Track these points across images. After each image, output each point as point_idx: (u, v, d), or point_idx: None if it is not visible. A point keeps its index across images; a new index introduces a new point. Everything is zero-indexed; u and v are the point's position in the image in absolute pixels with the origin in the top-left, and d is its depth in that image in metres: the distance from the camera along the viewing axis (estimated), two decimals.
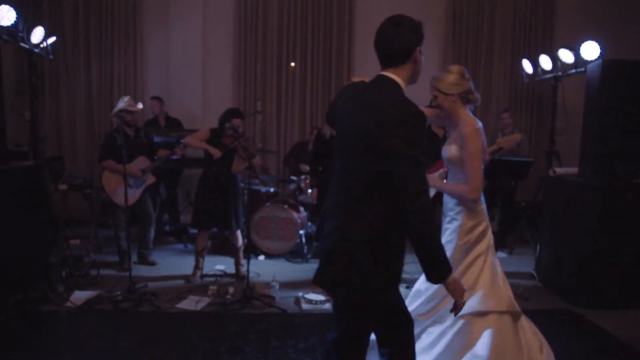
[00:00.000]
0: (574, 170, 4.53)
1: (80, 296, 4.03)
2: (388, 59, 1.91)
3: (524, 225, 5.77)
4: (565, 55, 5.16)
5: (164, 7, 6.70)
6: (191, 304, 3.96)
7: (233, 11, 6.75)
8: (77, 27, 6.62)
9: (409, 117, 1.77)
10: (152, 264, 5.00)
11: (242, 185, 5.31)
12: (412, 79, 1.95)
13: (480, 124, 2.58)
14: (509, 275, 5.03)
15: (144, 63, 6.80)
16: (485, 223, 2.68)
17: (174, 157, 4.91)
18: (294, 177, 5.87)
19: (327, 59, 6.85)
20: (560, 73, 5.32)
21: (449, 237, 2.70)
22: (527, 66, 6.08)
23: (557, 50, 5.41)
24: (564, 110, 5.28)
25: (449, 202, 2.75)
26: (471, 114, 2.63)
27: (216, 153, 4.38)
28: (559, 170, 4.57)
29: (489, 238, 2.70)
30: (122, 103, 4.65)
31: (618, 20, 6.32)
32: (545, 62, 5.59)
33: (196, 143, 4.45)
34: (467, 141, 2.50)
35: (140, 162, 4.79)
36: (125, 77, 6.76)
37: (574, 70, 5.10)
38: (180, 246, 5.84)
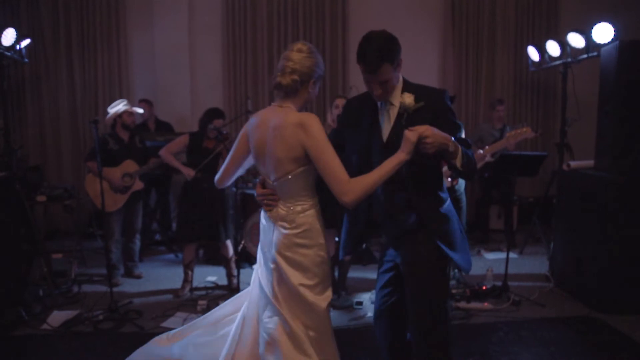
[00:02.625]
0: (590, 163, 4.19)
1: (58, 317, 3.71)
2: None
3: (536, 222, 5.43)
4: (575, 40, 4.81)
5: (148, 6, 6.37)
6: (178, 322, 3.64)
7: (220, 7, 6.41)
8: (57, 28, 6.28)
9: None
10: (138, 277, 4.69)
11: (233, 190, 4.98)
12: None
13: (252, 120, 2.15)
14: (521, 277, 4.81)
15: (129, 65, 6.46)
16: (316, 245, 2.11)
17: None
18: None
19: (320, 50, 6.48)
20: (570, 59, 4.96)
21: None
22: (533, 53, 5.73)
23: (563, 35, 5.07)
24: (575, 99, 4.92)
25: None
26: None
27: (189, 173, 4.10)
28: (573, 163, 4.22)
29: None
30: (121, 106, 4.40)
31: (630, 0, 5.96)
32: (553, 48, 5.24)
33: (169, 159, 4.17)
34: None
35: (127, 167, 4.46)
36: (110, 79, 6.42)
37: (585, 55, 4.74)
38: (171, 256, 5.52)
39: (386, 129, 2.08)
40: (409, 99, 1.98)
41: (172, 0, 6.32)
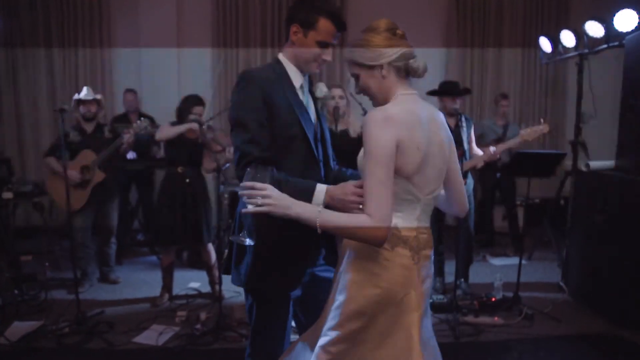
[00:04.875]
0: (610, 163, 3.81)
1: (18, 329, 3.30)
2: None
3: (546, 225, 5.05)
4: (594, 29, 4.40)
5: None
6: (152, 336, 3.25)
7: None
8: (35, 11, 5.86)
9: (236, 82, 1.73)
10: (114, 282, 4.29)
11: (222, 187, 4.59)
12: (301, 62, 1.77)
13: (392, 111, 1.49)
14: (531, 286, 4.43)
15: (112, 52, 6.06)
16: (389, 281, 1.51)
17: (130, 155, 4.19)
18: None
19: None
20: (587, 50, 4.57)
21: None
22: (545, 44, 5.32)
23: (574, 25, 4.68)
24: (590, 93, 4.54)
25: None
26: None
27: (193, 127, 3.62)
28: (593, 164, 3.84)
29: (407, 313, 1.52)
30: (82, 94, 4.04)
31: None
32: (568, 38, 4.83)
33: (172, 131, 3.67)
34: (365, 134, 1.47)
35: (83, 158, 4.01)
36: (91, 68, 6.02)
37: (605, 46, 4.34)
38: (154, 258, 5.12)
39: (313, 115, 1.83)
40: (324, 88, 1.74)
41: None
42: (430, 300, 3.70)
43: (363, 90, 1.62)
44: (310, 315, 1.80)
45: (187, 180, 3.71)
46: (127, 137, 3.94)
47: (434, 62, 6.24)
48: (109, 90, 6.05)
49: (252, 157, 1.63)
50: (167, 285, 3.91)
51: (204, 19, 6.04)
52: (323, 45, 1.72)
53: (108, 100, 6.02)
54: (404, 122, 1.46)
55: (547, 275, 4.59)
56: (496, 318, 3.51)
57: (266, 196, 1.46)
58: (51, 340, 3.19)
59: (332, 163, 1.93)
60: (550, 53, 5.30)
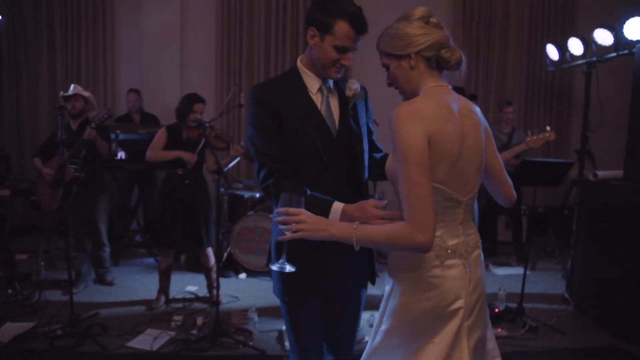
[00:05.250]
0: (618, 173, 3.74)
1: (10, 330, 3.24)
2: None
3: (551, 235, 4.97)
4: (603, 36, 4.34)
5: None
6: (147, 341, 3.17)
7: None
8: (39, 8, 5.82)
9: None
10: (110, 284, 4.22)
11: (222, 190, 4.52)
12: (318, 67, 1.68)
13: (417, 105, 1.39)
14: (535, 297, 4.32)
15: (115, 51, 6.01)
16: (440, 295, 1.42)
17: (119, 155, 4.10)
18: None
19: None
20: (595, 58, 4.50)
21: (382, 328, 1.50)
22: (552, 52, 5.26)
23: (581, 32, 4.63)
24: (598, 102, 4.47)
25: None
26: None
27: (191, 158, 3.60)
28: (601, 173, 3.77)
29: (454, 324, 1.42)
30: (69, 92, 3.91)
31: None
32: (576, 46, 4.77)
33: (161, 155, 3.64)
34: (393, 133, 1.34)
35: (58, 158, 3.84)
36: (94, 66, 5.97)
37: (614, 54, 4.28)
38: (151, 260, 5.04)
39: (335, 118, 1.74)
40: (355, 85, 1.72)
41: None
42: None
43: (392, 82, 1.51)
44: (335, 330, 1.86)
45: (187, 182, 3.64)
46: (87, 132, 3.66)
47: None
48: (111, 90, 6.01)
49: (269, 167, 1.64)
50: (164, 288, 3.84)
51: (207, 18, 5.99)
52: (341, 50, 1.62)
53: (110, 101, 6.00)
54: (434, 114, 1.34)
55: (551, 286, 4.51)
56: (499, 329, 3.43)
57: (301, 221, 1.39)
58: (43, 342, 3.13)
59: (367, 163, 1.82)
60: (557, 61, 5.24)
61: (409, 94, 1.48)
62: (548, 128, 3.55)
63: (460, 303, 1.41)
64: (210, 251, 3.78)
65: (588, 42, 4.60)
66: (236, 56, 6.01)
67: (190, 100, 3.61)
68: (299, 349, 1.81)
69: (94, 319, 3.49)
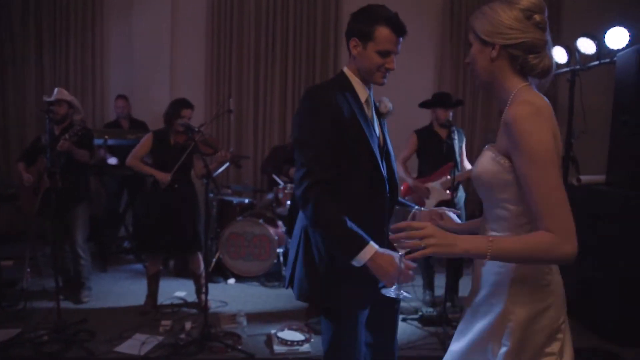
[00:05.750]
0: (601, 178, 3.82)
1: None
2: None
3: None
4: (586, 45, 4.44)
5: None
6: (135, 346, 3.15)
7: (205, 1, 5.97)
8: (28, 12, 5.80)
9: (301, 100, 1.74)
10: (80, 302, 3.94)
11: (211, 195, 4.52)
12: (364, 74, 1.75)
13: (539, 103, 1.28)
14: None
15: (105, 56, 6.01)
16: (556, 302, 1.34)
17: (111, 161, 4.07)
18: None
19: (311, 55, 6.09)
20: (578, 66, 4.60)
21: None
22: None
23: (565, 41, 4.72)
24: (581, 109, 4.57)
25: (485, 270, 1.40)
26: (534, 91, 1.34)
27: (164, 179, 3.60)
28: (584, 178, 3.85)
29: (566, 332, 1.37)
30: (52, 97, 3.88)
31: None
32: (560, 54, 4.87)
33: (138, 167, 3.67)
34: (517, 135, 1.24)
35: (41, 163, 3.81)
36: (82, 71, 5.95)
37: (596, 62, 4.38)
38: (140, 267, 5.02)
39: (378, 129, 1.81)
40: (389, 103, 1.74)
41: None
42: (420, 314, 3.67)
43: (470, 61, 1.40)
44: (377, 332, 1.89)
45: (176, 186, 3.65)
46: (61, 143, 3.56)
47: (427, 73, 6.27)
48: (99, 96, 6.00)
49: (316, 176, 1.61)
50: (152, 294, 3.82)
51: (197, 24, 6.01)
52: (384, 54, 1.67)
53: (98, 106, 5.98)
54: (550, 114, 1.25)
55: None
56: None
57: (428, 235, 1.25)
58: (29, 348, 3.09)
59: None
60: None
61: (482, 83, 1.40)
62: None
63: (565, 315, 1.36)
64: (199, 256, 3.78)
65: (571, 50, 4.70)
66: (226, 62, 6.03)
67: (179, 106, 3.63)
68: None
69: (80, 325, 3.45)
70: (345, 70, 1.79)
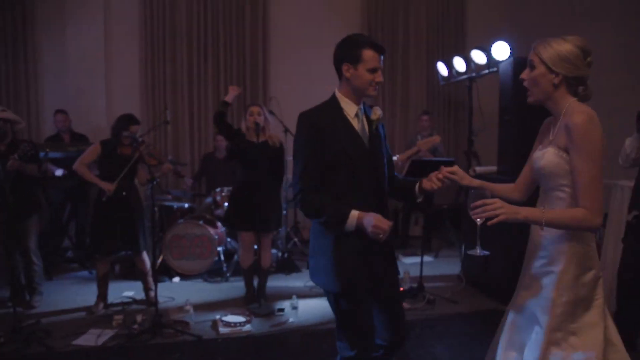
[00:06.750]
0: (493, 168, 4.53)
1: None
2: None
3: (449, 227, 5.75)
4: (478, 56, 5.22)
5: (59, 10, 6.06)
6: (91, 338, 3.46)
7: (138, 13, 6.23)
8: None
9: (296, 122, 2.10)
10: (31, 306, 4.12)
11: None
12: (359, 91, 2.08)
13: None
14: (436, 278, 5.05)
15: (38, 73, 6.06)
16: (597, 266, 1.83)
17: (58, 172, 4.25)
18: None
19: (241, 61, 6.50)
20: (474, 74, 5.37)
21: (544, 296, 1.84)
22: (442, 69, 6.12)
23: (469, 52, 5.47)
24: (479, 110, 5.33)
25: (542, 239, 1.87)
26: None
27: (108, 188, 3.88)
28: (479, 169, 4.55)
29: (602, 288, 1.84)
30: None
31: (527, 19, 6.51)
32: (459, 63, 5.64)
33: (85, 173, 3.94)
34: (576, 136, 1.70)
35: None
36: (15, 88, 5.99)
37: (486, 71, 5.16)
38: (85, 273, 5.21)
39: (364, 137, 2.14)
40: (379, 111, 2.16)
41: (86, 4, 6.08)
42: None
43: (529, 80, 1.80)
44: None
45: (124, 193, 3.96)
46: (10, 163, 3.69)
47: None
48: (34, 112, 6.05)
49: (304, 183, 2.03)
50: (103, 294, 4.09)
51: (131, 39, 6.24)
52: (373, 70, 2.03)
53: (34, 122, 6.04)
54: (598, 120, 1.70)
55: (450, 269, 5.23)
56: (404, 304, 4.05)
57: (499, 207, 1.69)
58: None
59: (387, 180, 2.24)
60: (446, 76, 6.10)
61: (536, 99, 1.82)
62: (433, 133, 4.24)
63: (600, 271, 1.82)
64: (145, 255, 4.11)
65: (468, 60, 5.46)
66: (160, 71, 6.29)
67: (127, 122, 3.95)
68: (365, 341, 2.10)
69: (35, 326, 3.67)
70: (336, 92, 2.13)
